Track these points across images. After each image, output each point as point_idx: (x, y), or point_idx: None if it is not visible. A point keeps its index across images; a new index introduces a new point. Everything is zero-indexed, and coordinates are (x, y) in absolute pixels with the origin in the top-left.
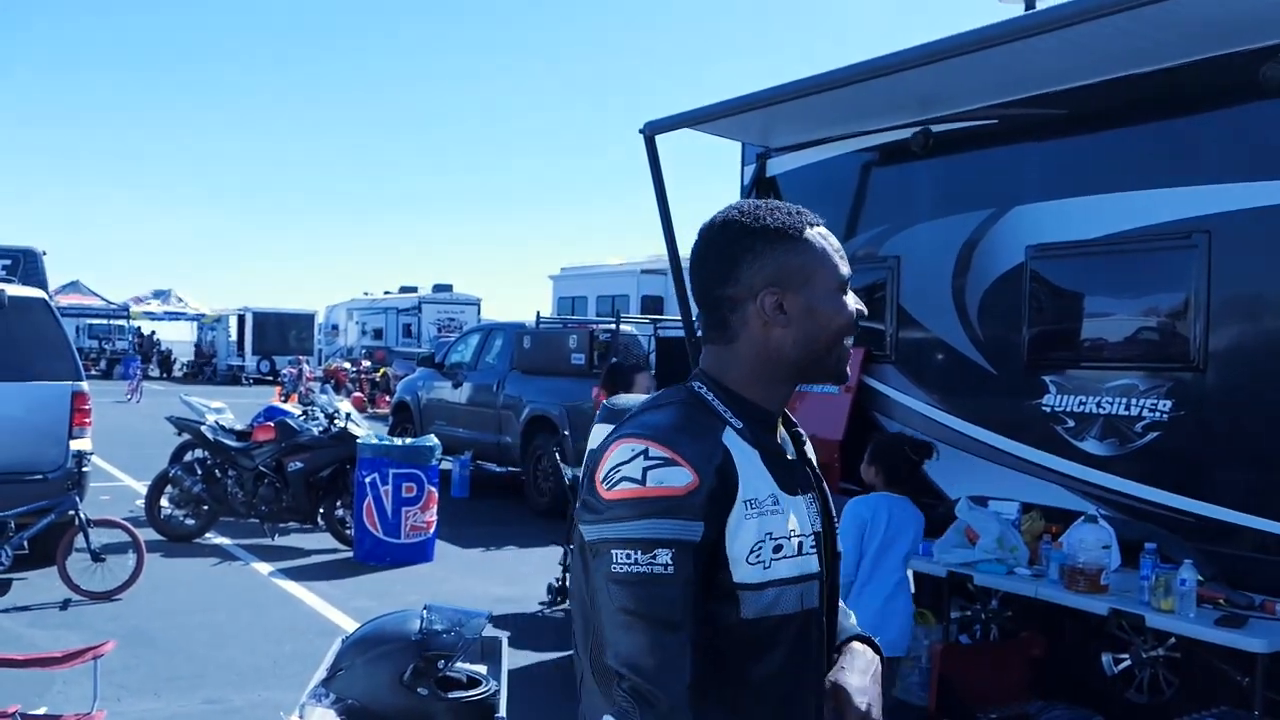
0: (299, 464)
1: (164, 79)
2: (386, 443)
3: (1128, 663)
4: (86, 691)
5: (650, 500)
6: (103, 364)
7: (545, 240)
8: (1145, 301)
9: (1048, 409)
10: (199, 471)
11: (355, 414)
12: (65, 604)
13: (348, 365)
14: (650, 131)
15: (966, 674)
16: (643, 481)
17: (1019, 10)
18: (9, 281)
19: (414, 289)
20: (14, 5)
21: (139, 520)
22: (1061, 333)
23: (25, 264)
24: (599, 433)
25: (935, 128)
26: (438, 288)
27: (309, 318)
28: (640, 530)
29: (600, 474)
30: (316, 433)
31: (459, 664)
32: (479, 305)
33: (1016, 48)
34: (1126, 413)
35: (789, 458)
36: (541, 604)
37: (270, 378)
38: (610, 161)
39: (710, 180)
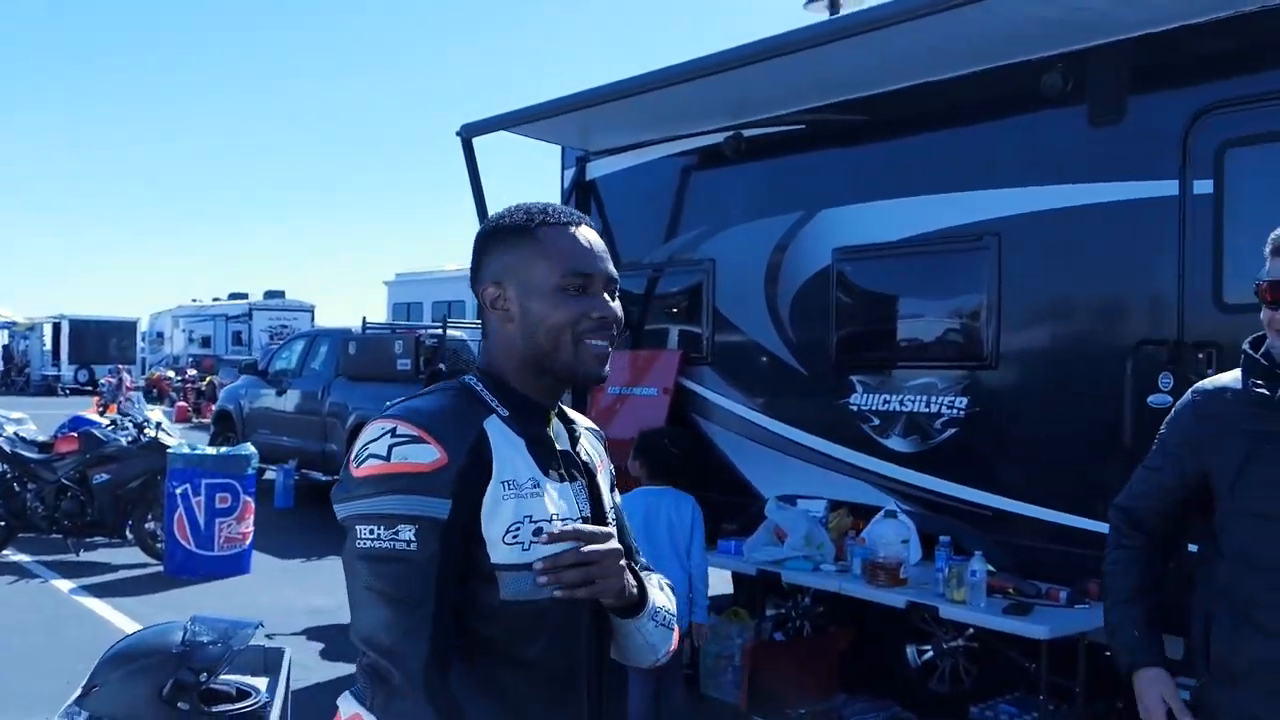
0: (105, 476)
1: None
2: (199, 452)
3: (930, 654)
4: None
5: (394, 476)
6: None
7: (383, 246)
8: (943, 302)
9: (855, 408)
10: None
11: (166, 423)
12: None
13: (171, 374)
14: (467, 134)
15: (777, 671)
16: (388, 458)
17: (824, 16)
18: None
19: (244, 295)
20: None
21: None
22: (867, 333)
23: None
24: None
25: (747, 132)
26: (269, 294)
27: (131, 325)
28: (383, 506)
29: (351, 453)
30: (125, 443)
31: (230, 676)
32: (313, 312)
33: (820, 53)
34: (927, 410)
35: (558, 447)
36: None
37: (89, 388)
38: (450, 167)
39: (539, 184)
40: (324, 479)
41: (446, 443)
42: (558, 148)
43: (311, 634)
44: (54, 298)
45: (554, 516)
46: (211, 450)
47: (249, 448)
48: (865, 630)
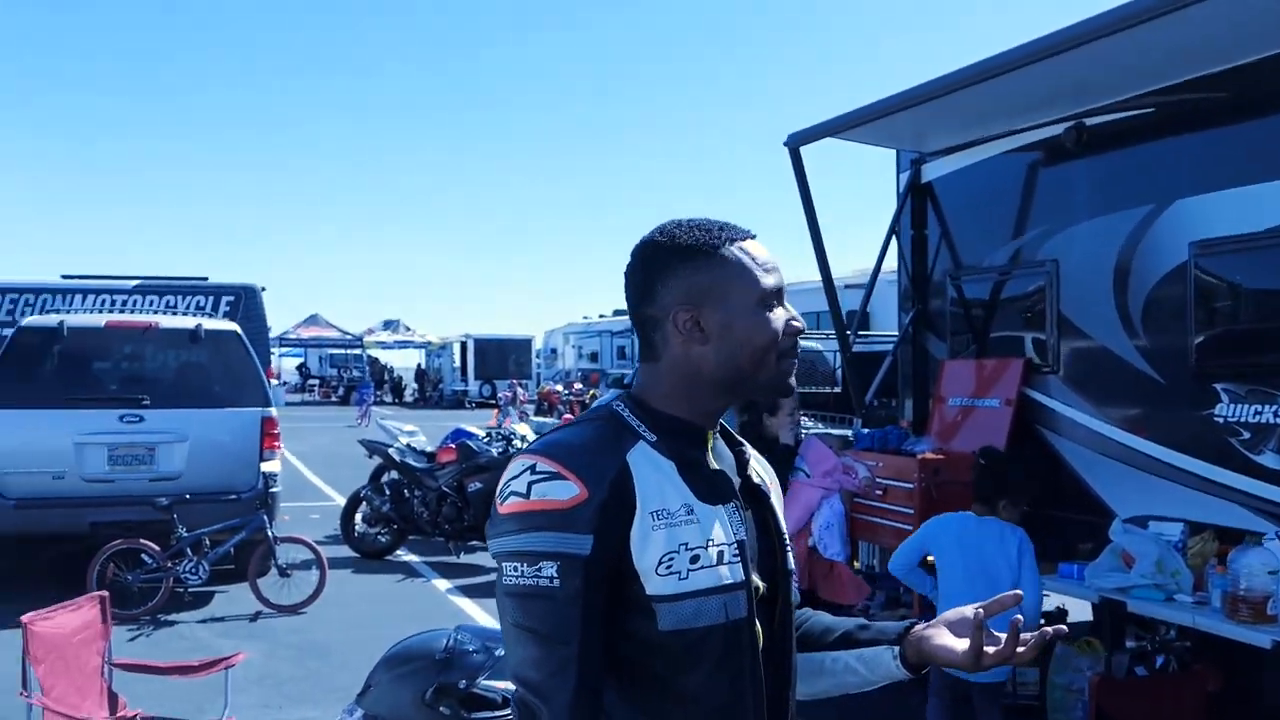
0: (479, 484)
1: (384, 125)
2: None
3: None
4: (253, 699)
5: (534, 514)
6: (340, 390)
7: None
8: None
9: (1220, 419)
10: (388, 492)
11: (531, 436)
12: (255, 616)
13: (560, 388)
14: (794, 143)
15: (1128, 709)
16: (527, 495)
17: None
18: (229, 318)
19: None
20: (252, 61)
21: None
22: (1233, 336)
23: (245, 300)
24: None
25: (1089, 121)
26: None
27: (526, 343)
28: (524, 543)
29: (498, 490)
30: (495, 454)
31: (497, 683)
32: None
33: (1174, 21)
34: None
35: (713, 468)
36: None
37: (491, 401)
38: (817, 173)
39: (870, 191)
40: None
41: (586, 478)
42: (890, 151)
43: None
44: (461, 318)
45: (709, 543)
46: None
47: None
48: (1239, 670)
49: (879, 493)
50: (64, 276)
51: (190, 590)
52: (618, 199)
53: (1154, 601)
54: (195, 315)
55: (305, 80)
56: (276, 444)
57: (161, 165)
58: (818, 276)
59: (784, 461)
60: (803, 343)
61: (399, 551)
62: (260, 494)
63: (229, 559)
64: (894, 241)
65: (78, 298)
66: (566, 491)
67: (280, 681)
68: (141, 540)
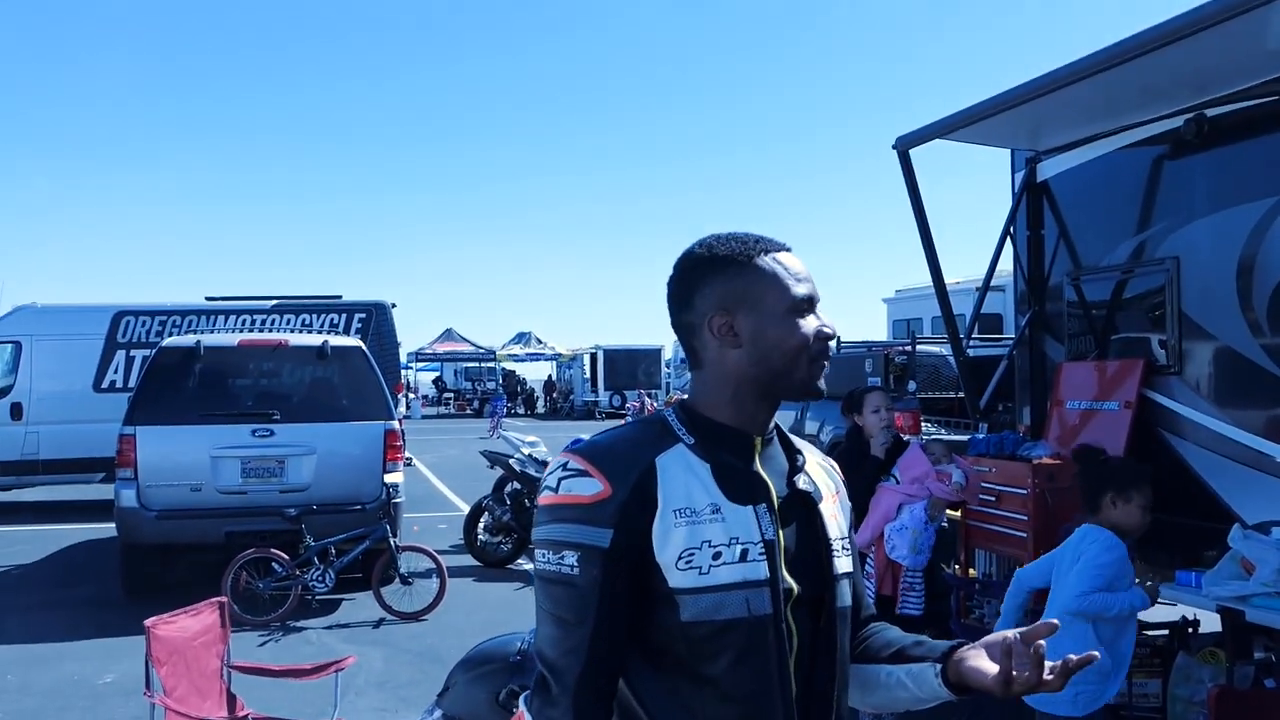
0: None
1: (512, 140)
2: None
3: None
4: (372, 703)
5: (561, 507)
6: (475, 403)
7: (881, 262)
8: None
9: None
10: (509, 502)
11: None
12: (379, 623)
13: (685, 396)
14: (903, 146)
15: None
16: (556, 490)
17: None
18: (361, 334)
19: None
20: (386, 90)
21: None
22: None
23: (377, 317)
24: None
25: (1210, 112)
26: None
27: (656, 352)
28: (551, 533)
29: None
30: None
31: None
32: None
33: None
34: None
35: (749, 471)
36: None
37: (621, 411)
38: (943, 177)
39: (981, 191)
40: None
41: (611, 476)
42: (1004, 151)
43: None
44: (591, 329)
45: (734, 540)
46: None
47: None
48: None
49: (986, 498)
50: (207, 298)
51: (317, 597)
52: (749, 207)
53: (1274, 611)
54: (328, 332)
55: (443, 101)
56: (399, 456)
57: (306, 192)
58: (959, 279)
59: (880, 471)
60: (924, 348)
61: (519, 560)
62: (383, 504)
63: (354, 567)
64: (1009, 243)
65: (220, 318)
66: (590, 488)
67: (399, 686)
68: (272, 549)
